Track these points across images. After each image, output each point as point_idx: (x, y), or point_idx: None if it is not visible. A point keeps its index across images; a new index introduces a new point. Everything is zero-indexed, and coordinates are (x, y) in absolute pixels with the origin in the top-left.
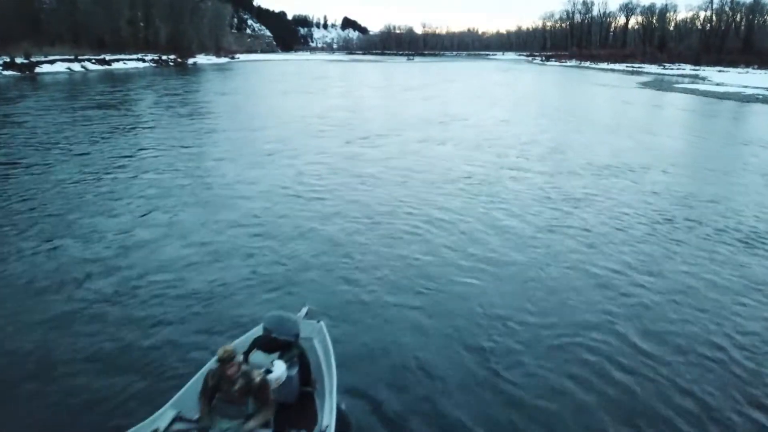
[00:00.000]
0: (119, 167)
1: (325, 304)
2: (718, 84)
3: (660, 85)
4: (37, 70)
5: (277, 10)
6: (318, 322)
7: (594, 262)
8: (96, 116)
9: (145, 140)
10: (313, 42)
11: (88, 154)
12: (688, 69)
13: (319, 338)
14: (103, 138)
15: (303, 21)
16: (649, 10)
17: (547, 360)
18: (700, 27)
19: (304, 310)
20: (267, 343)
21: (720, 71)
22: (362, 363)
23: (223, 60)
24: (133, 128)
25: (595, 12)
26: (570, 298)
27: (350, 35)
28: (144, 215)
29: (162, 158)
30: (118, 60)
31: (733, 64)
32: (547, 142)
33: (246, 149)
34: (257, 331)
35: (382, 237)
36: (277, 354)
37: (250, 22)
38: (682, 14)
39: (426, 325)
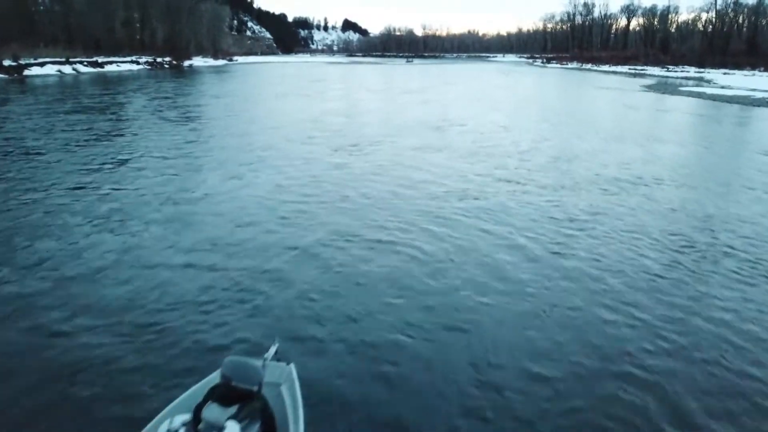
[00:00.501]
0: (87, 179)
1: (298, 342)
2: (724, 87)
3: (664, 88)
4: (26, 72)
5: (277, 12)
6: (288, 364)
7: (609, 298)
8: (78, 121)
9: (124, 147)
10: (313, 44)
11: (57, 162)
12: (692, 71)
13: (287, 385)
14: (79, 145)
15: (303, 23)
16: (650, 12)
17: (554, 425)
18: (702, 29)
19: (273, 349)
20: (225, 394)
21: (725, 74)
22: (336, 416)
23: (221, 62)
24: (115, 134)
25: (596, 14)
26: (583, 343)
27: (350, 37)
28: (98, 237)
29: (136, 168)
30: (111, 62)
31: (738, 66)
32: (549, 150)
33: (230, 158)
34: (214, 378)
35: (368, 264)
36: (236, 407)
37: (250, 24)
38: (684, 16)
39: (413, 371)
